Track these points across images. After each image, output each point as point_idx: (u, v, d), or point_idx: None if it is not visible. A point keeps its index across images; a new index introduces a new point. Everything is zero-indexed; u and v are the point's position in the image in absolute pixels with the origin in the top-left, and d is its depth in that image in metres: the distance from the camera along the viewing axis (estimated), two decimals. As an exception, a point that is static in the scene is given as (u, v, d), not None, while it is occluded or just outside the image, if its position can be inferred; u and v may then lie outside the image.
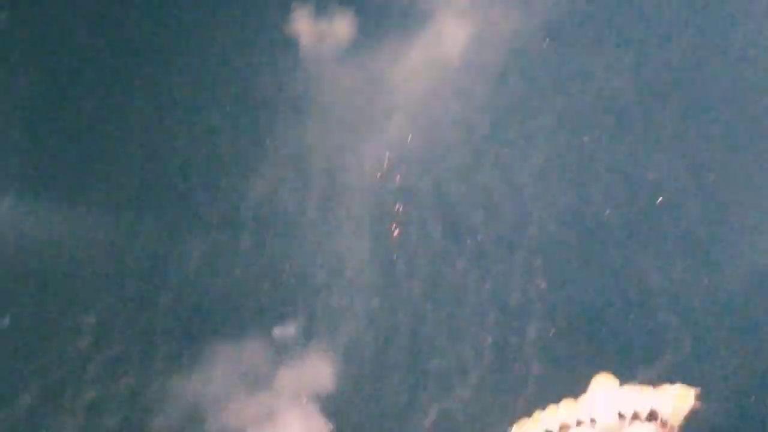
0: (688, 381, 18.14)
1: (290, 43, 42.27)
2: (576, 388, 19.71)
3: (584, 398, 19.10)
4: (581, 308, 41.36)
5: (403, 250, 42.13)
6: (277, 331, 36.94)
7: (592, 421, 18.41)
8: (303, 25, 41.44)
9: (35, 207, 38.07)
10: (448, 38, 40.85)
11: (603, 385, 18.74)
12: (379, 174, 40.03)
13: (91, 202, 39.38)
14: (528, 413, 20.74)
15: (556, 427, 19.40)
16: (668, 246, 41.27)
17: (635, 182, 40.64)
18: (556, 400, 20.12)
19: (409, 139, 39.67)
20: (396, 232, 41.43)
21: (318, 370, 32.55)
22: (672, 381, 18.49)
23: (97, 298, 37.93)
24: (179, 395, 33.16)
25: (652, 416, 17.51)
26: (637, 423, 17.50)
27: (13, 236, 37.25)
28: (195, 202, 40.90)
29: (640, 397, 17.74)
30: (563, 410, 19.57)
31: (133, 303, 38.61)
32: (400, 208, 41.61)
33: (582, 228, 42.03)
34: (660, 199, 39.20)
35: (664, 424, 17.38)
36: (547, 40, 41.62)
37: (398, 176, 41.13)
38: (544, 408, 20.46)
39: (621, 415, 17.90)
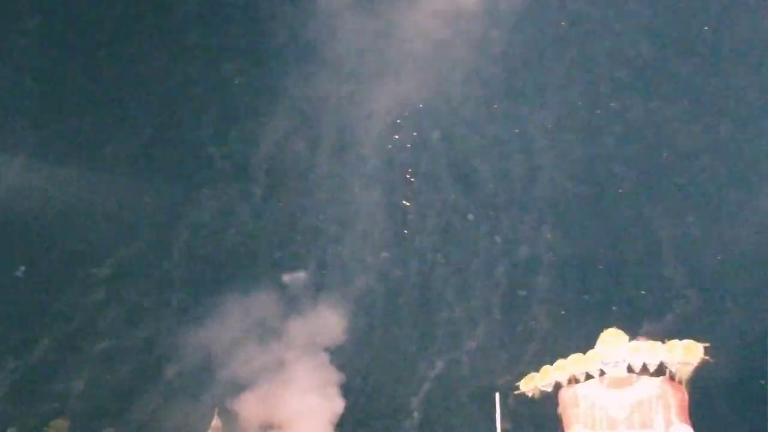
0: (696, 335, 18.25)
1: (302, -7, 41.84)
2: (585, 342, 19.81)
3: (593, 352, 19.16)
4: (590, 262, 41.48)
5: (414, 202, 42.13)
6: (287, 277, 37.22)
7: (601, 374, 18.51)
8: (315, -26, 40.89)
9: (50, 161, 38.10)
10: (461, -12, 40.27)
11: (612, 339, 18.76)
12: (390, 126, 39.87)
13: (105, 155, 39.39)
14: (536, 367, 20.87)
15: (564, 381, 19.51)
16: (679, 200, 41.19)
17: (648, 135, 40.39)
18: (565, 354, 20.22)
19: (421, 90, 39.33)
20: (410, 181, 41.35)
21: (328, 321, 32.78)
22: (680, 335, 18.57)
23: (111, 250, 38.26)
24: (192, 345, 33.48)
25: (660, 370, 17.64)
26: (645, 377, 17.63)
27: (29, 190, 37.36)
28: (207, 153, 40.91)
29: (649, 351, 17.78)
30: (572, 364, 19.62)
31: (147, 255, 38.93)
32: (411, 161, 41.57)
33: (593, 181, 41.90)
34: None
35: (672, 377, 17.50)
36: (562, -10, 40.99)
37: (410, 128, 40.94)
38: (552, 362, 20.56)
39: (630, 369, 17.99)
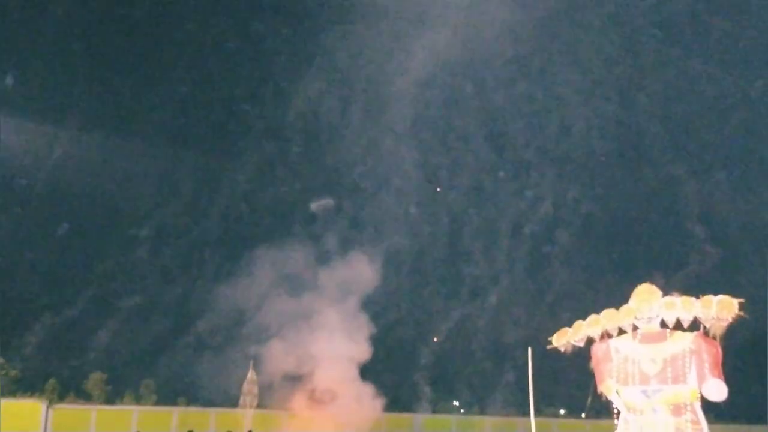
0: (716, 292, 18.24)
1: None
2: (617, 298, 19.88)
3: (626, 307, 19.14)
4: (616, 219, 41.58)
5: (447, 159, 42.28)
6: (315, 206, 37.51)
7: (634, 329, 18.58)
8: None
9: (92, 128, 38.42)
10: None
11: (645, 294, 18.70)
12: (423, 82, 39.80)
13: (142, 118, 39.62)
14: (569, 323, 20.92)
15: (597, 336, 19.53)
16: (707, 158, 41.07)
17: (681, 93, 40.16)
18: (598, 310, 20.25)
19: (455, 47, 39.19)
20: (443, 138, 41.25)
21: (359, 273, 32.99)
22: (702, 292, 18.56)
23: (151, 211, 38.75)
24: (224, 300, 33.79)
25: (694, 326, 17.70)
26: (679, 332, 17.70)
27: (75, 157, 37.78)
28: (242, 112, 41.13)
29: (684, 306, 17.77)
30: (604, 319, 19.57)
31: (184, 215, 39.37)
32: (444, 118, 41.54)
33: (624, 138, 41.87)
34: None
35: (706, 333, 17.57)
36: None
37: (443, 85, 40.88)
38: (584, 318, 20.57)
39: (663, 324, 18.06)
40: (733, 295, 17.20)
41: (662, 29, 39.76)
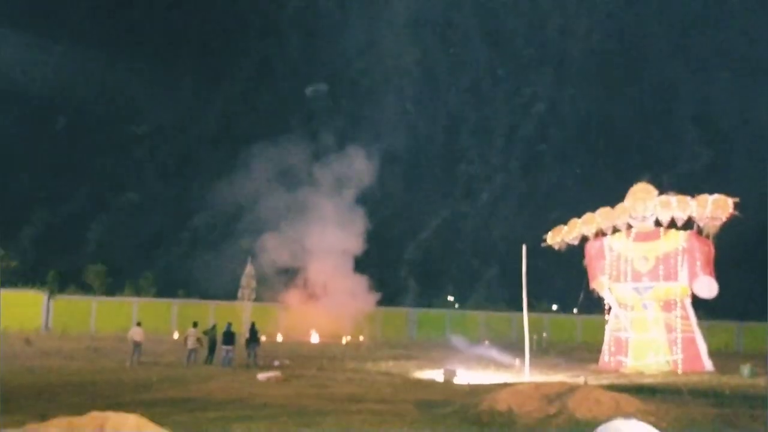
0: (711, 191, 18.32)
1: None
2: (611, 197, 19.97)
3: (621, 206, 19.27)
4: (615, 119, 41.52)
5: (445, 57, 41.86)
6: (309, 90, 37.39)
7: (629, 227, 18.77)
8: None
9: (91, 28, 37.84)
10: None
11: (641, 193, 18.83)
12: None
13: (140, 20, 38.86)
14: (562, 221, 21.08)
15: (592, 233, 19.72)
16: (707, 61, 40.74)
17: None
18: (591, 209, 20.37)
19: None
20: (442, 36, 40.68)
21: (355, 169, 33.01)
22: (697, 192, 18.64)
23: (149, 112, 38.53)
24: (222, 195, 33.94)
25: (688, 225, 17.88)
26: (672, 231, 17.91)
27: (75, 56, 37.31)
28: (238, 10, 40.33)
29: (679, 205, 17.94)
30: (600, 218, 19.75)
31: (183, 115, 39.14)
32: (443, 15, 40.88)
33: (625, 38, 41.41)
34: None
35: (700, 232, 17.78)
36: None
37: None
38: (578, 216, 20.72)
39: (658, 222, 18.25)
40: (728, 194, 17.39)
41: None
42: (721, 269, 17.89)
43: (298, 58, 39.22)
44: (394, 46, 38.68)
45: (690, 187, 18.17)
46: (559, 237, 20.11)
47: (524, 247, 14.98)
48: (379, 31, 39.02)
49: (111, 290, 32.13)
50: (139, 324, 17.28)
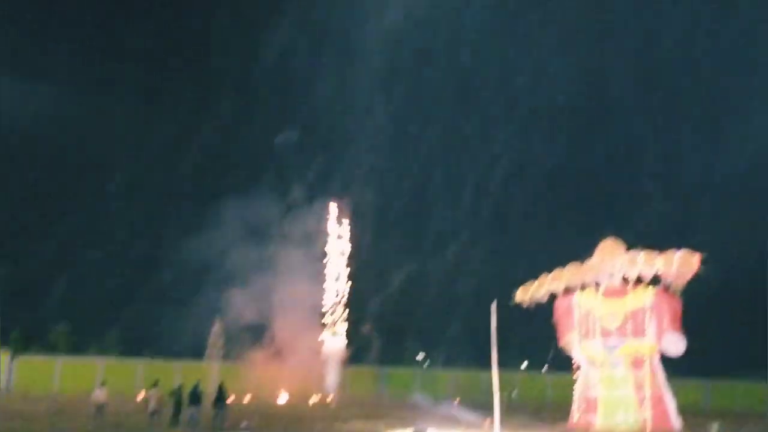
0: (676, 247, 18.47)
1: None
2: (583, 252, 20.02)
3: (590, 263, 19.36)
4: (581, 174, 42.00)
5: (415, 111, 42.17)
6: (279, 140, 37.36)
7: (597, 284, 18.84)
8: None
9: (64, 80, 37.82)
10: None
11: (609, 249, 18.95)
12: (394, 34, 39.45)
13: (113, 74, 38.91)
14: (534, 276, 21.09)
15: (560, 290, 19.75)
16: (671, 118, 41.51)
17: (646, 52, 40.37)
18: (563, 264, 20.42)
19: (425, 2, 38.86)
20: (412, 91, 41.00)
21: (324, 223, 32.97)
22: (661, 248, 18.74)
23: (122, 165, 38.37)
24: (189, 250, 33.70)
25: (656, 280, 18.00)
26: (640, 287, 18.00)
27: (46, 107, 37.21)
28: (212, 65, 40.60)
29: (645, 262, 18.05)
30: (568, 274, 19.80)
31: (155, 170, 39.01)
32: (414, 71, 41.30)
33: (589, 96, 42.06)
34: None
35: (667, 288, 17.87)
36: None
37: (413, 39, 40.55)
38: (549, 271, 20.75)
39: (625, 279, 18.37)
40: (693, 249, 17.50)
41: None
42: (687, 326, 17.97)
43: (269, 113, 39.35)
44: (364, 101, 39.01)
45: (656, 243, 18.30)
46: (528, 294, 20.10)
47: (494, 304, 14.94)
48: (349, 86, 39.38)
49: (76, 349, 31.57)
50: (103, 384, 16.91)
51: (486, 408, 19.05)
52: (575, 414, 18.62)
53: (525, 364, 35.92)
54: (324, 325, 31.33)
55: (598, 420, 17.79)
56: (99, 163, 37.69)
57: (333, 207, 33.50)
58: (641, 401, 17.57)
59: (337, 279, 32.36)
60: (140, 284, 36.85)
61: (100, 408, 15.69)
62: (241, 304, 30.59)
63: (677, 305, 18.49)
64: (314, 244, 32.76)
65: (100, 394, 15.98)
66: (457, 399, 26.27)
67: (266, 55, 39.65)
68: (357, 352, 33.57)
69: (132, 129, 38.28)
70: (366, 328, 33.19)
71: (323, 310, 31.33)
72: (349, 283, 33.08)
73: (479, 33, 40.75)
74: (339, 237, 33.39)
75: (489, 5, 40.22)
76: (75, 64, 38.35)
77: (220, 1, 39.66)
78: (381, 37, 39.04)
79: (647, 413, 17.40)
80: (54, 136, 36.86)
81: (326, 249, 32.97)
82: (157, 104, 38.88)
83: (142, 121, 38.47)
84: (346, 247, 33.50)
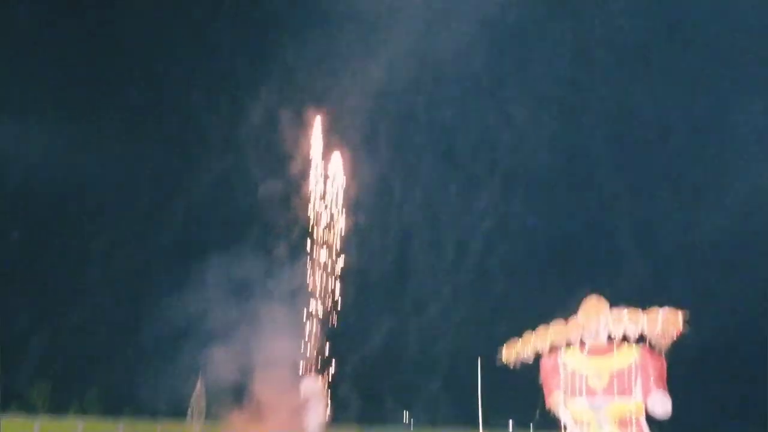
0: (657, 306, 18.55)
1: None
2: (566, 310, 20.04)
3: (574, 321, 19.34)
4: (561, 234, 42.33)
5: (397, 173, 42.52)
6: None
7: (582, 343, 18.79)
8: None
9: (47, 136, 37.86)
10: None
11: (593, 307, 18.93)
12: (377, 98, 39.97)
13: (97, 131, 39.14)
14: (518, 334, 21.07)
15: (546, 349, 19.67)
16: (646, 180, 42.06)
17: (624, 116, 41.08)
18: (547, 321, 20.44)
19: (408, 64, 39.50)
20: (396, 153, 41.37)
21: (308, 282, 32.98)
22: (646, 306, 18.80)
23: (104, 224, 38.30)
24: (171, 308, 33.67)
25: (641, 339, 18.00)
26: (625, 346, 17.99)
27: (31, 164, 37.17)
28: (198, 122, 40.81)
29: (630, 319, 18.09)
30: (553, 332, 19.74)
31: (138, 229, 38.98)
32: (397, 133, 41.76)
33: (568, 157, 42.74)
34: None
35: (652, 346, 17.91)
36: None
37: (396, 102, 41.10)
38: (533, 329, 20.74)
39: (610, 338, 18.35)
40: (676, 307, 17.57)
41: (609, 54, 40.69)
42: (672, 386, 17.94)
43: (253, 172, 39.58)
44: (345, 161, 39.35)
45: (637, 301, 18.33)
46: (513, 353, 19.97)
47: (479, 362, 14.94)
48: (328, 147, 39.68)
49: (55, 408, 31.18)
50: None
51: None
52: (562, 474, 18.41)
53: (511, 424, 35.73)
54: (305, 385, 31.18)
55: (585, 482, 17.58)
56: (80, 222, 37.64)
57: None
58: (628, 462, 17.40)
59: (318, 337, 32.39)
60: (121, 342, 36.64)
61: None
62: (222, 363, 30.42)
63: (662, 364, 18.40)
64: (298, 301, 32.83)
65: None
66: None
67: (252, 116, 39.90)
68: (337, 409, 33.39)
69: (113, 188, 38.36)
70: (347, 387, 33.06)
71: (302, 369, 31.26)
72: (328, 343, 33.12)
73: (461, 96, 41.37)
74: (320, 295, 33.54)
75: (470, 70, 41.00)
76: (54, 120, 38.48)
77: (205, 59, 39.78)
78: (362, 99, 39.58)
79: (634, 474, 17.20)
80: (36, 195, 36.82)
81: (308, 308, 33.11)
82: (138, 163, 38.96)
83: (123, 180, 38.55)
84: (328, 305, 33.56)
